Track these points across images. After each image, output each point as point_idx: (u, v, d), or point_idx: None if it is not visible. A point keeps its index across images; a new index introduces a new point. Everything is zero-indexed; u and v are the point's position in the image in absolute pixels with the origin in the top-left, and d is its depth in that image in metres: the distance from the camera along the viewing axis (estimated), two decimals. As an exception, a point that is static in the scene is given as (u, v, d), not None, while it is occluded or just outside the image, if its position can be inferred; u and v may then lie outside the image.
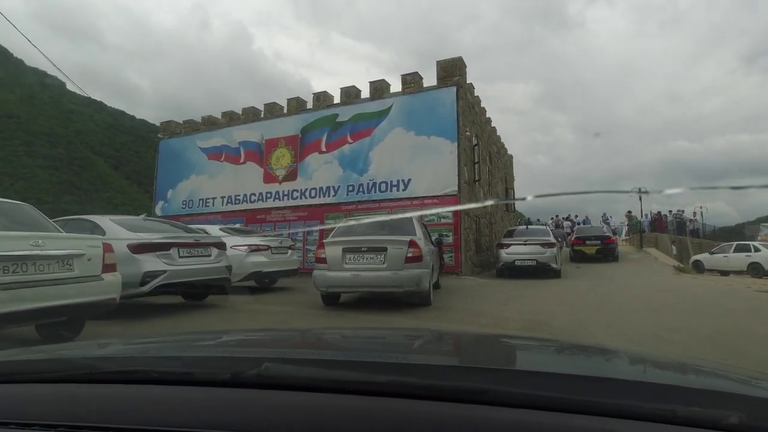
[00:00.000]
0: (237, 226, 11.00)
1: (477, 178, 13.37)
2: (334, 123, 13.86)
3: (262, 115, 15.34)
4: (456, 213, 11.82)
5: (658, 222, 24.55)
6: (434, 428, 0.58)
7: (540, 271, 11.46)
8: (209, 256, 6.66)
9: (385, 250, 6.12)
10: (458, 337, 1.48)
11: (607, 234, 17.33)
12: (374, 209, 12.79)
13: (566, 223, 25.92)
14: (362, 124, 13.47)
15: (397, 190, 12.73)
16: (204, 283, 6.41)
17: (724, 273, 18.91)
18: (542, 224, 25.72)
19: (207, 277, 6.35)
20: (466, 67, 12.97)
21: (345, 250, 6.22)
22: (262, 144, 14.90)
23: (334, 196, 13.56)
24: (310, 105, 14.70)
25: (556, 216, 27.47)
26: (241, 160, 15.21)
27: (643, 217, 23.88)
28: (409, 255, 6.11)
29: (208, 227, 9.32)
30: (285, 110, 14.98)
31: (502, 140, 19.40)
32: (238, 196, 14.96)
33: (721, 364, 1.15)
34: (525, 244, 11.68)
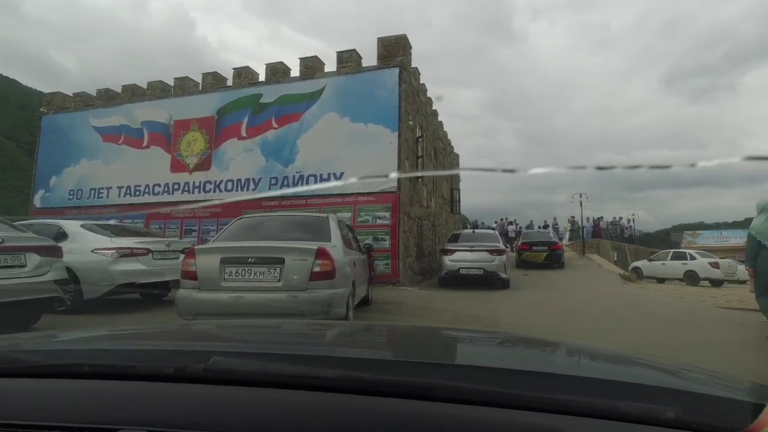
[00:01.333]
0: (111, 222, 8.68)
1: (420, 175, 11.86)
2: (257, 104, 11.79)
3: (171, 92, 12.90)
4: (394, 214, 10.22)
5: (596, 228, 24.58)
6: (384, 424, 0.58)
7: (487, 280, 10.15)
8: (22, 266, 4.51)
9: (281, 262, 4.32)
10: (410, 331, 1.46)
11: (553, 240, 16.56)
12: (301, 206, 10.90)
13: (510, 227, 25.35)
14: (290, 107, 11.52)
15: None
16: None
17: (661, 280, 18.94)
18: (488, 228, 25.06)
19: (7, 299, 4.21)
20: (411, 48, 11.43)
21: (224, 261, 4.34)
22: (170, 125, 12.48)
23: (254, 189, 11.49)
24: (230, 82, 12.51)
25: (502, 219, 26.92)
26: (144, 144, 12.69)
27: (585, 222, 23.78)
28: (316, 269, 4.34)
29: (65, 222, 6.99)
30: (200, 87, 12.67)
31: (448, 137, 18.15)
32: (139, 186, 12.44)
33: (661, 359, 1.00)
34: (471, 251, 10.31)
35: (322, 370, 0.67)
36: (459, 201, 19.30)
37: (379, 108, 10.80)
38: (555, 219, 26.52)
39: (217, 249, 4.47)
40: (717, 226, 49.23)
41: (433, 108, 15.14)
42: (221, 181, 11.74)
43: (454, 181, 19.14)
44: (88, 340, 1.06)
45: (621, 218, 25.81)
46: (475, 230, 12.62)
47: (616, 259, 22.04)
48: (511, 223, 25.59)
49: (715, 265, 17.09)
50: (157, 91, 12.93)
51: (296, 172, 11.21)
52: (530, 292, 9.95)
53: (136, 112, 12.86)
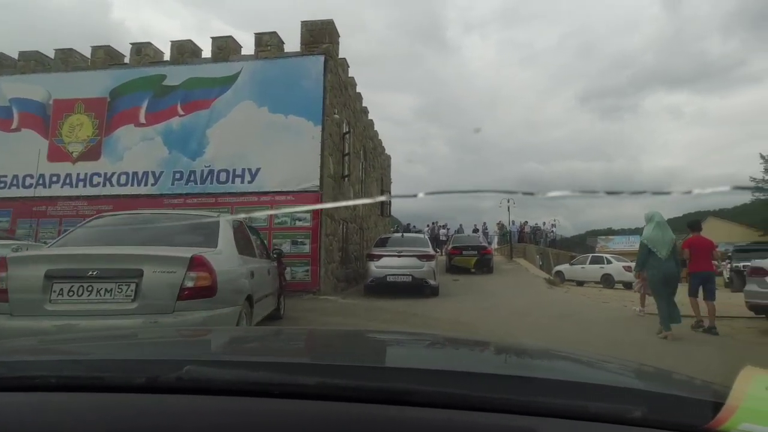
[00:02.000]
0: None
1: (346, 173, 10.99)
2: (159, 87, 10.22)
3: (50, 65, 10.85)
4: (315, 215, 9.22)
5: (521, 233, 25.29)
6: (363, 431, 0.58)
7: (416, 287, 9.49)
8: None
9: (137, 275, 3.19)
10: (383, 337, 1.44)
11: (483, 244, 16.46)
12: (210, 205, 9.54)
13: (442, 231, 25.31)
14: (199, 92, 10.10)
15: (242, 182, 9.67)
16: None
17: (580, 283, 19.73)
18: (418, 231, 24.78)
19: None
20: (338, 36, 10.53)
21: (52, 275, 3.12)
22: (48, 105, 10.46)
23: (154, 185, 9.92)
24: (127, 60, 10.78)
25: (433, 223, 26.82)
26: (14, 126, 10.53)
27: (511, 225, 24.31)
28: (189, 285, 3.26)
29: None
30: (89, 63, 10.78)
31: (379, 136, 17.47)
32: (5, 177, 10.28)
33: (624, 359, 1.04)
34: (399, 256, 9.60)
35: (301, 377, 0.66)
36: (390, 204, 18.71)
37: (302, 98, 9.76)
38: (485, 224, 26.96)
39: (41, 258, 3.24)
40: (623, 232, 53.60)
41: (363, 105, 14.36)
42: (113, 174, 9.99)
43: (384, 182, 18.51)
44: (52, 349, 1.03)
45: (545, 223, 26.77)
46: (404, 234, 11.95)
47: (540, 263, 22.72)
48: (442, 227, 25.56)
49: (628, 269, 18.01)
50: (32, 63, 10.80)
51: (205, 166, 9.81)
52: (461, 300, 9.44)
53: (5, 86, 10.65)
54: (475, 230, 23.57)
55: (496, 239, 25.70)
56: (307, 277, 9.07)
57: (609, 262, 18.71)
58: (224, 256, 3.81)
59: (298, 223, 9.27)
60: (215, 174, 9.74)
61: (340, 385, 0.63)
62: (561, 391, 0.65)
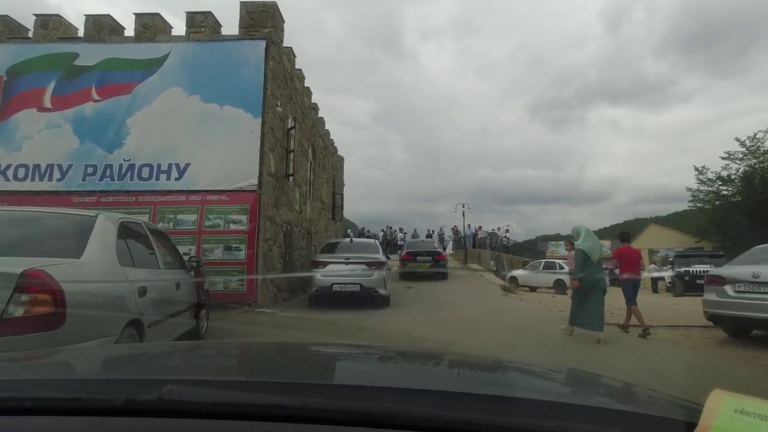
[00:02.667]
0: None
1: (291, 172, 10.01)
2: (70, 67, 8.81)
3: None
4: (253, 217, 8.20)
5: (476, 238, 25.18)
6: None
7: (365, 297, 8.67)
8: None
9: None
10: (365, 353, 1.36)
11: (438, 250, 15.94)
12: (128, 204, 8.26)
13: (399, 235, 24.71)
14: (119, 74, 8.80)
15: (168, 179, 8.47)
16: None
17: (533, 288, 19.72)
18: (372, 236, 24.00)
19: None
20: (283, 21, 9.58)
21: None
22: (-73, 84, 8.76)
23: (60, 180, 8.49)
24: (30, 34, 9.27)
25: (389, 227, 26.17)
26: None
27: (467, 230, 24.11)
28: (17, 312, 2.27)
29: None
30: (-17, 35, 9.17)
31: (331, 136, 16.56)
32: None
33: (601, 375, 1.05)
34: (347, 263, 8.75)
35: (283, 398, 0.63)
36: (342, 207, 17.81)
37: (240, 87, 8.72)
38: (441, 228, 26.65)
39: None
40: (569, 237, 55.38)
41: (313, 101, 13.42)
42: (8, 167, 8.47)
43: (336, 184, 17.60)
44: (26, 367, 0.96)
45: (499, 228, 26.82)
46: (354, 239, 11.11)
47: (495, 268, 22.63)
48: (400, 230, 24.98)
49: (580, 275, 18.24)
50: None
51: (124, 160, 8.52)
52: (413, 310, 8.73)
53: None
54: (429, 235, 23.13)
55: (450, 244, 25.45)
56: (242, 287, 8.02)
57: (561, 267, 18.79)
58: (91, 269, 2.82)
59: (233, 227, 8.20)
60: (136, 169, 8.47)
61: (325, 407, 0.60)
62: (541, 411, 0.65)
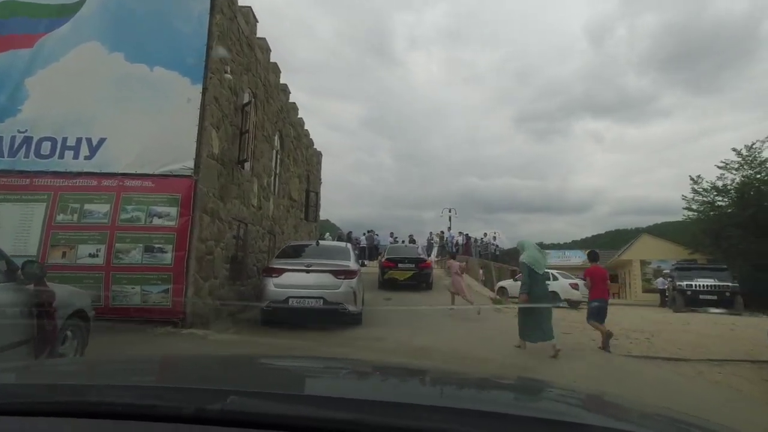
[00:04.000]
0: None
1: (245, 158, 8.15)
2: (-46, 11, 6.84)
3: None
4: (185, 210, 6.33)
5: (465, 245, 23.58)
6: None
7: (331, 314, 6.87)
8: None
9: None
10: (429, 372, 1.38)
11: (422, 256, 14.21)
12: (21, 189, 6.33)
13: (389, 240, 22.91)
14: (18, 22, 6.86)
15: (75, 157, 6.54)
16: None
17: (524, 300, 18.13)
18: (356, 240, 22.13)
19: None
20: (238, -29, 7.78)
21: None
22: None
23: (-69, 155, 6.50)
24: None
25: (369, 231, 24.35)
26: None
27: (458, 236, 22.49)
28: None
29: None
30: None
31: (306, 126, 14.72)
32: None
33: (644, 403, 1.03)
34: (308, 272, 6.94)
35: (339, 413, 0.64)
36: (318, 206, 15.97)
37: (176, 45, 6.87)
38: (431, 234, 24.95)
39: None
40: (552, 246, 54.46)
41: (282, 82, 11.60)
42: None
43: (312, 181, 15.75)
44: (102, 372, 1.06)
45: (486, 234, 25.27)
46: (322, 242, 9.26)
47: (483, 278, 20.99)
48: (390, 235, 23.16)
49: (575, 286, 16.71)
50: None
51: (19, 131, 6.57)
52: (390, 332, 6.95)
53: None
54: (412, 240, 21.40)
55: (435, 250, 23.76)
56: (166, 300, 6.11)
57: (555, 278, 17.24)
58: None
59: (157, 221, 6.30)
60: (34, 143, 6.53)
61: (398, 426, 0.62)
62: None
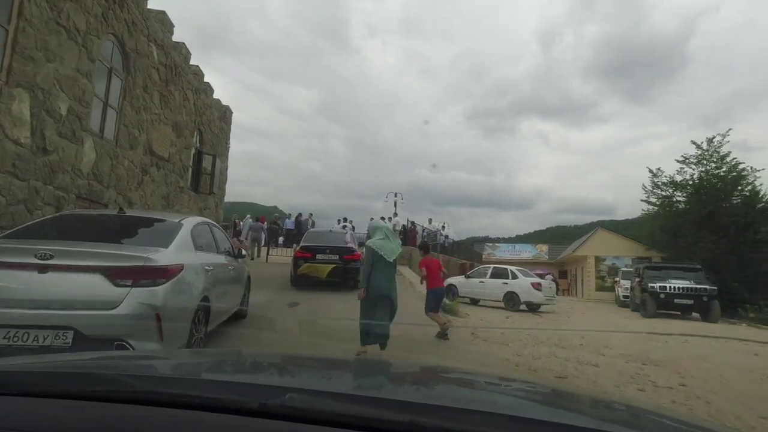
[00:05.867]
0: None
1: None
2: None
3: None
4: None
5: (411, 234, 20.37)
6: None
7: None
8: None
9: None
10: (483, 378, 1.36)
11: (349, 246, 10.66)
12: None
13: (336, 227, 19.13)
14: None
15: None
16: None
17: (475, 301, 15.21)
18: (275, 222, 18.17)
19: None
20: None
21: None
22: None
23: None
24: None
25: (298, 215, 20.47)
26: None
27: (399, 223, 19.18)
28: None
29: None
30: None
31: (195, 61, 10.59)
32: None
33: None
34: (42, 270, 3.15)
35: (390, 413, 0.66)
36: (213, 175, 11.93)
37: None
38: (372, 220, 21.50)
39: None
40: (498, 240, 52.87)
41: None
42: None
43: (206, 141, 11.66)
44: (172, 366, 1.12)
45: (431, 221, 22.11)
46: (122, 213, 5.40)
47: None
48: (343, 220, 19.50)
49: (538, 286, 13.94)
50: None
51: None
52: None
53: None
54: (345, 223, 17.90)
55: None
56: None
57: (515, 276, 14.39)
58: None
59: None
60: None
61: (437, 427, 0.63)
62: None
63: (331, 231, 11.76)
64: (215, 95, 12.18)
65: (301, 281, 10.34)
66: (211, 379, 0.93)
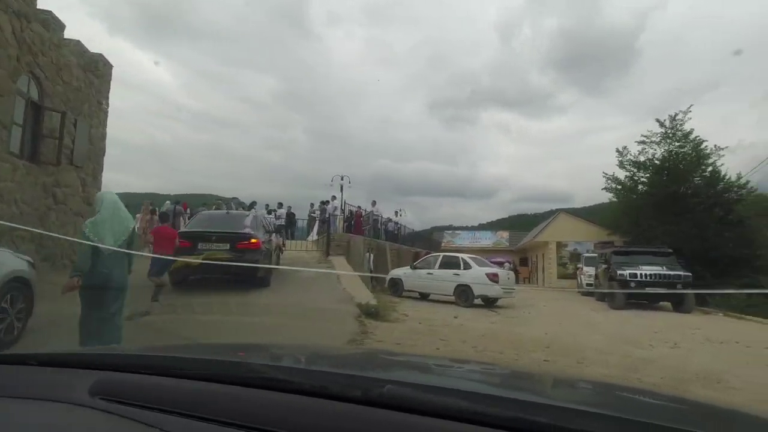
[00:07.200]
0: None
1: None
2: None
3: None
4: None
5: (356, 220, 17.89)
6: None
7: None
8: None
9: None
10: (579, 381, 1.37)
11: (246, 231, 8.01)
12: None
13: (280, 211, 16.30)
14: None
15: None
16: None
17: (425, 295, 12.99)
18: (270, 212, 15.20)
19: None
20: None
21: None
22: None
23: None
24: None
25: (226, 201, 17.47)
26: None
27: (336, 208, 16.64)
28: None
29: None
30: None
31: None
32: None
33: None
34: None
35: (489, 408, 0.69)
36: (74, 143, 8.88)
37: None
38: (312, 205, 18.87)
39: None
40: (462, 228, 51.38)
41: None
42: None
43: (59, 95, 8.61)
44: (283, 356, 1.28)
45: (375, 203, 19.66)
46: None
47: (371, 265, 15.44)
48: (273, 211, 16.63)
49: (494, 277, 11.84)
50: None
51: None
52: None
53: None
54: (270, 210, 15.25)
55: (316, 227, 17.74)
56: None
57: (467, 266, 12.17)
58: None
59: None
60: None
61: (538, 422, 0.65)
62: None
63: (228, 213, 9.04)
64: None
65: (180, 277, 7.74)
66: (317, 369, 1.03)
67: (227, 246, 7.58)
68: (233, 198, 18.57)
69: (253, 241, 7.75)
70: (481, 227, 64.01)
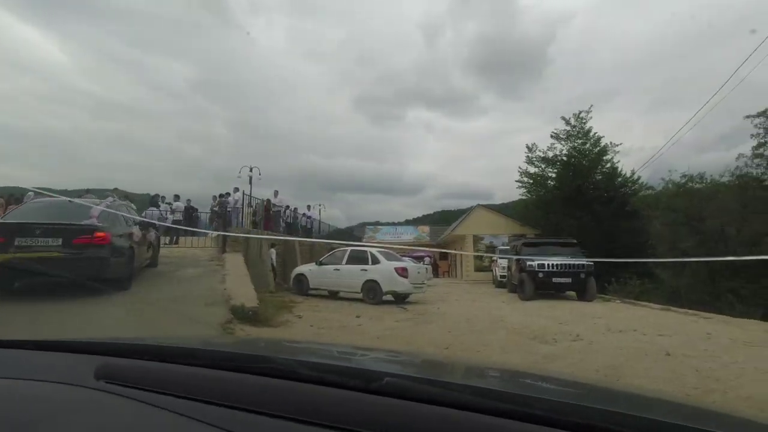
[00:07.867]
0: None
1: None
2: None
3: None
4: None
5: (265, 213, 16.37)
6: None
7: None
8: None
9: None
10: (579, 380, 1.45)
11: (89, 223, 6.37)
12: None
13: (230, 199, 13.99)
14: None
15: None
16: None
17: (334, 293, 12.01)
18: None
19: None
20: None
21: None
22: None
23: None
24: None
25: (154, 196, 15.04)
26: None
27: (238, 200, 14.98)
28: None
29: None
30: None
31: None
32: None
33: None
34: None
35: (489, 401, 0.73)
36: None
37: None
38: (214, 198, 16.88)
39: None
40: (388, 224, 51.33)
41: None
42: None
43: None
44: (297, 350, 1.42)
45: (277, 194, 18.23)
46: None
47: (274, 261, 14.10)
48: (223, 196, 14.43)
49: (403, 272, 11.15)
50: None
51: None
52: None
53: None
54: (155, 202, 13.37)
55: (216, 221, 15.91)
56: None
57: (376, 261, 11.33)
58: None
59: None
60: None
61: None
62: None
63: (70, 201, 7.26)
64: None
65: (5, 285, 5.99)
66: (329, 363, 1.09)
67: (59, 242, 5.93)
68: (112, 190, 16.10)
69: (98, 235, 6.17)
70: (407, 223, 64.53)
